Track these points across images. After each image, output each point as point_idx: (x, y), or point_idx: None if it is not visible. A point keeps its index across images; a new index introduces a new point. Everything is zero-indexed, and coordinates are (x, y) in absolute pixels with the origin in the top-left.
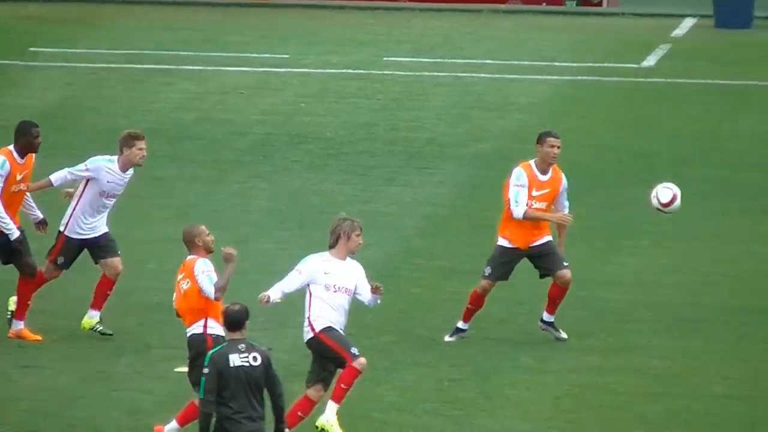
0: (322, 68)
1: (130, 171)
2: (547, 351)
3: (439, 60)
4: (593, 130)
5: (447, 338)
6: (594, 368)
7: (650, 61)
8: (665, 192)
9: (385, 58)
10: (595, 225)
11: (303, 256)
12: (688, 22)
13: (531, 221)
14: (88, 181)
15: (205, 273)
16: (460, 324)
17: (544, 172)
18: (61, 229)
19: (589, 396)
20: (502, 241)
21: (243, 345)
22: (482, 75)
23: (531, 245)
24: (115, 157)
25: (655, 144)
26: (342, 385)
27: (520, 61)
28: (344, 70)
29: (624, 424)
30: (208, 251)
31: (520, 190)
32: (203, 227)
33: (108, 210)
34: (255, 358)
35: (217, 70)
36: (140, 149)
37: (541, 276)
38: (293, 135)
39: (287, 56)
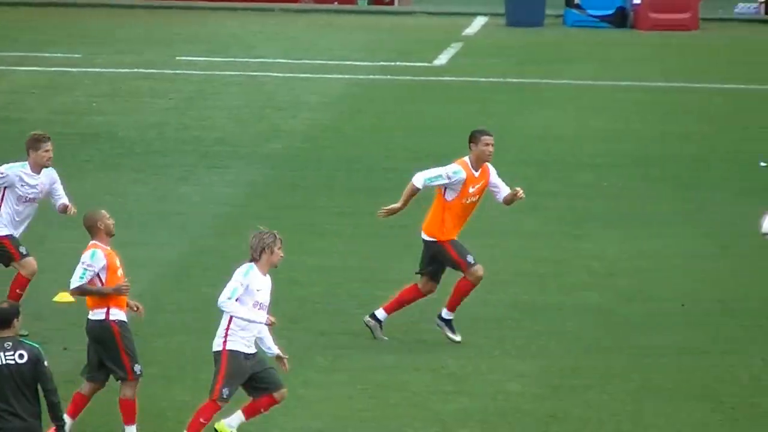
0: (114, 68)
1: (45, 172)
2: (340, 350)
3: (231, 59)
4: (385, 128)
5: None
6: (389, 367)
7: (442, 59)
8: None
9: (177, 58)
10: (386, 222)
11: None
12: (479, 21)
13: (460, 219)
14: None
15: (84, 264)
16: (445, 314)
17: (477, 169)
18: None
19: (384, 395)
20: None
21: (9, 343)
22: (274, 74)
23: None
24: (26, 162)
25: (448, 142)
26: (262, 410)
27: (312, 60)
28: (136, 70)
29: (420, 423)
30: (109, 235)
31: (442, 174)
32: (104, 211)
33: (29, 215)
34: (21, 356)
35: (8, 69)
36: (46, 151)
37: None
38: (85, 134)
39: (79, 56)
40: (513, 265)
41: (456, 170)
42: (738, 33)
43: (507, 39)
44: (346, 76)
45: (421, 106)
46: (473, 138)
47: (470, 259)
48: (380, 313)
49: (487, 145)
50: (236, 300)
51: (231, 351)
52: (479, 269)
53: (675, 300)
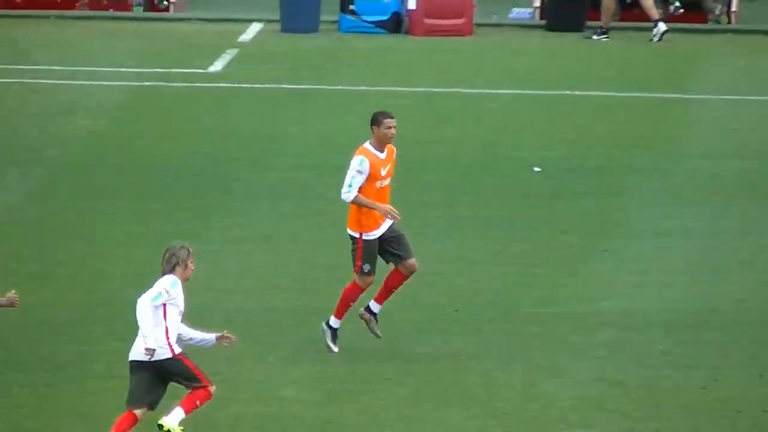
0: None
1: None
2: (118, 356)
3: (4, 66)
4: (160, 134)
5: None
6: None
7: (217, 66)
8: None
9: None
10: (179, 230)
11: None
12: (255, 27)
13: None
14: None
15: None
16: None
17: (381, 151)
18: None
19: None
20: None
21: None
22: (50, 81)
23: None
24: None
25: (224, 147)
26: (197, 402)
27: (88, 66)
28: None
29: (192, 429)
30: None
31: (356, 176)
32: None
33: None
34: None
35: None
36: None
37: (387, 262)
38: None
39: None
40: (288, 270)
41: (359, 161)
42: (512, 38)
43: (282, 45)
44: (123, 83)
45: (197, 112)
46: (375, 121)
47: (366, 267)
48: (374, 305)
49: (390, 127)
50: (162, 304)
51: (182, 353)
52: (368, 283)
53: (449, 306)
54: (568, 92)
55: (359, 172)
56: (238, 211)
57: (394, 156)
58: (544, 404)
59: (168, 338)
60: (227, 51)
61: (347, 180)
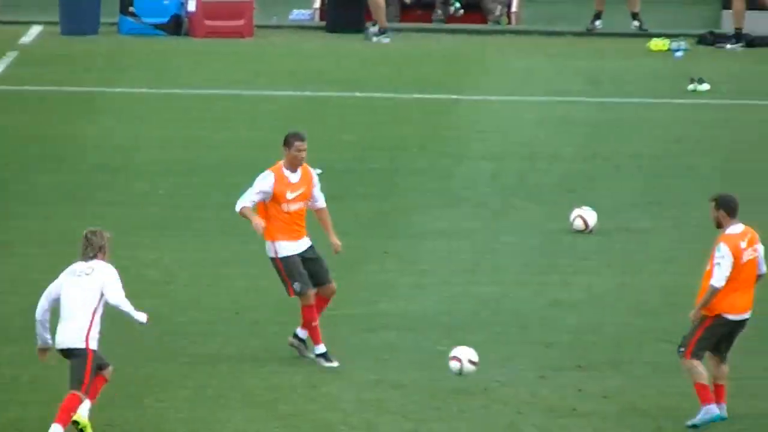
0: None
1: None
2: None
3: None
4: None
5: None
6: None
7: None
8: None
9: None
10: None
11: None
12: (35, 30)
13: (287, 229)
14: None
15: None
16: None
17: (293, 172)
18: None
19: None
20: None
21: None
22: None
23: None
24: None
25: (5, 150)
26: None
27: None
28: None
29: None
30: None
31: (253, 190)
32: None
33: None
34: None
35: None
36: None
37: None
38: None
39: None
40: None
41: (262, 176)
42: (293, 39)
43: (62, 47)
44: None
45: None
46: (286, 142)
47: (297, 287)
48: (300, 332)
49: (300, 150)
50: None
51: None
52: (310, 297)
53: (231, 308)
54: (348, 94)
55: (258, 187)
56: (14, 214)
57: (312, 181)
58: (326, 406)
59: (90, 331)
60: (7, 53)
61: (246, 194)
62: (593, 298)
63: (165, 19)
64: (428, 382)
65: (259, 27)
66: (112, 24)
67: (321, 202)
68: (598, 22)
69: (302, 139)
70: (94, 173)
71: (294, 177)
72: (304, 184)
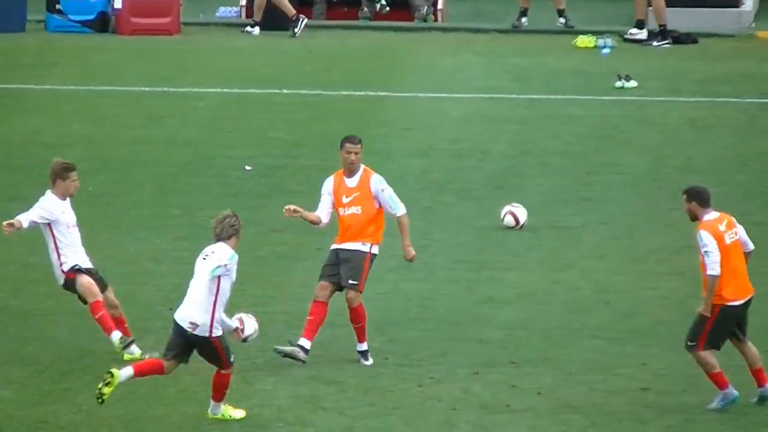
0: None
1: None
2: None
3: None
4: None
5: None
6: None
7: None
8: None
9: None
10: None
11: None
12: None
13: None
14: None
15: None
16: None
17: (350, 177)
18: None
19: None
20: None
21: None
22: None
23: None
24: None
25: None
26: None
27: None
28: None
29: None
30: None
31: (321, 197)
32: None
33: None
34: None
35: None
36: (74, 180)
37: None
38: None
39: None
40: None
41: (326, 180)
42: (220, 37)
43: None
44: None
45: None
46: (341, 145)
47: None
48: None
49: (349, 152)
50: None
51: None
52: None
53: (164, 304)
54: (277, 90)
55: (322, 193)
56: None
57: (370, 186)
58: (260, 402)
59: (213, 317)
60: None
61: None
62: (525, 294)
63: (92, 17)
64: (363, 378)
65: (186, 24)
66: (39, 21)
67: (391, 209)
68: (524, 20)
69: (352, 142)
70: (22, 171)
71: (350, 181)
72: (359, 190)
